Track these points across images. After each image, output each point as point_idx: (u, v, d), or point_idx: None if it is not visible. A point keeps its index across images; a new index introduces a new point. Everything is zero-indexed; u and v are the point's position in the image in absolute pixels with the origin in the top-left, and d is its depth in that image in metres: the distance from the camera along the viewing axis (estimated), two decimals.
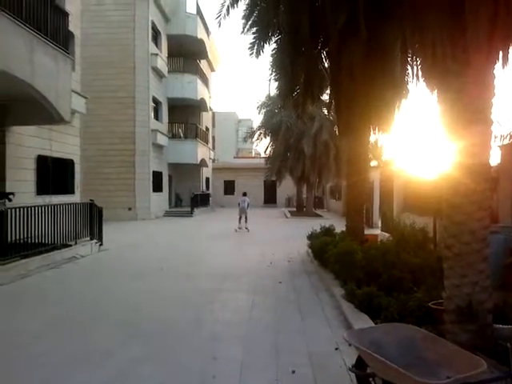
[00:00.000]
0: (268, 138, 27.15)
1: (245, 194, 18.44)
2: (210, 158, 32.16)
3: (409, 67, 7.18)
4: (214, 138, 41.20)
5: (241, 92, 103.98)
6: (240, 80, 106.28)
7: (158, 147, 23.63)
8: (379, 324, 4.62)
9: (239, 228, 17.12)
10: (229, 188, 36.51)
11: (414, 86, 7.22)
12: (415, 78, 4.94)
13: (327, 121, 22.65)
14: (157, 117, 24.16)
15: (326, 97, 13.30)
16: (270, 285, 7.62)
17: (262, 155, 36.32)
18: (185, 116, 27.20)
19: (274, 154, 26.13)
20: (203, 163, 28.57)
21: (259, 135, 27.40)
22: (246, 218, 17.22)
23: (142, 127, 21.92)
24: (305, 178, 24.96)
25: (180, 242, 13.62)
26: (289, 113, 21.24)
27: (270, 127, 25.85)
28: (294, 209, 29.83)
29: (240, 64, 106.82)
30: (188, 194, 26.36)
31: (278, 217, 25.72)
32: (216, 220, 22.70)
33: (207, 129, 32.66)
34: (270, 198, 36.71)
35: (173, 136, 25.77)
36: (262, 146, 59.22)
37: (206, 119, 32.28)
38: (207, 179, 32.86)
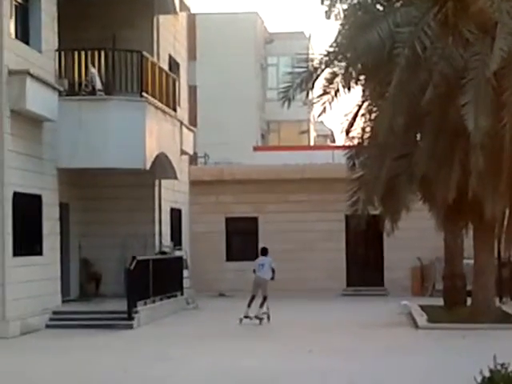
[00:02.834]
0: (357, 90, 26.03)
1: (265, 252, 24.44)
2: (181, 153, 32.32)
3: None
4: (194, 91, 41.78)
5: None
6: None
7: (30, 122, 23.66)
8: None
9: (246, 317, 22.81)
10: (240, 239, 37.33)
11: None
12: None
13: None
14: (25, 33, 24.47)
15: None
16: None
17: (339, 141, 38.36)
18: (106, 29, 27.59)
19: (373, 136, 24.84)
20: (162, 168, 28.95)
21: (330, 81, 25.14)
22: (264, 297, 23.25)
23: None
24: (469, 208, 24.02)
25: None
26: (416, 14, 22.43)
27: (362, 57, 24.09)
28: (439, 299, 29.72)
29: None
30: (118, 259, 26.57)
31: (389, 324, 25.57)
32: (210, 346, 20.26)
33: (173, 66, 33.35)
34: (366, 270, 36.74)
35: (73, 90, 25.91)
36: (339, 115, 61.18)
37: (168, 38, 32.92)
38: (175, 214, 33.15)
